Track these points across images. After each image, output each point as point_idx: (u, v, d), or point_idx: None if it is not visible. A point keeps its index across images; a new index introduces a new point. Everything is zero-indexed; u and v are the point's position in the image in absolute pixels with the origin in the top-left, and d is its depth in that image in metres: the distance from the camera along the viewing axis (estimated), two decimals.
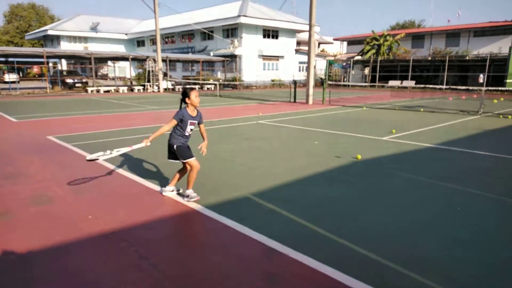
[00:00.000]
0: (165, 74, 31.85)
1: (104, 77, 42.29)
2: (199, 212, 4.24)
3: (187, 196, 4.54)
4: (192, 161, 4.51)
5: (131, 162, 6.51)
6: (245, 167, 6.23)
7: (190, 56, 39.36)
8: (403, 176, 5.73)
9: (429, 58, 37.51)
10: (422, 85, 22.11)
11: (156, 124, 11.31)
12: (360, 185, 5.31)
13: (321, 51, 52.05)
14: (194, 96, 4.48)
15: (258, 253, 3.34)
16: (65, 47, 48.41)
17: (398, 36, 40.33)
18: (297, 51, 44.43)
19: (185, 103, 4.56)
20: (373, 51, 40.32)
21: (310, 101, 19.07)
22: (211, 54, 39.91)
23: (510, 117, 13.47)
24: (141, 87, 30.68)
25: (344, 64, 39.21)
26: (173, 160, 4.63)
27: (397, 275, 2.95)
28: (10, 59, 29.17)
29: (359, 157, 6.80)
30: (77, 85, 29.24)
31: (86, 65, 39.44)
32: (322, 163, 6.45)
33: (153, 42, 49.96)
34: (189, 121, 4.55)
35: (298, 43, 46.52)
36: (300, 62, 45.01)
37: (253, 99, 22.75)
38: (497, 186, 5.22)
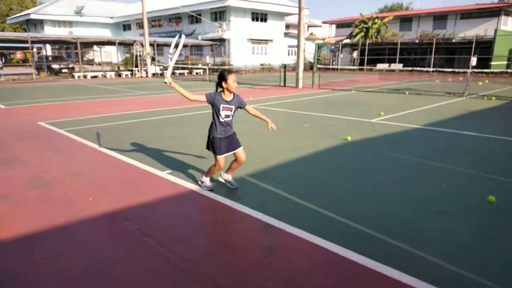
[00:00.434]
0: (153, 59, 31.48)
1: (90, 62, 41.56)
2: (197, 193, 4.40)
3: (202, 182, 4.50)
4: (219, 158, 4.20)
5: (127, 147, 6.59)
6: None
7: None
8: (391, 156, 5.96)
9: (417, 41, 37.76)
10: (410, 68, 22.38)
11: (148, 109, 11.34)
12: (350, 165, 5.53)
13: (310, 34, 51.85)
14: (231, 80, 3.97)
15: (256, 228, 3.53)
16: (49, 31, 47.17)
17: (386, 19, 40.36)
18: (286, 34, 44.18)
19: (221, 87, 4.05)
20: (362, 34, 40.36)
21: (300, 85, 19.20)
22: (199, 38, 39.46)
23: (494, 98, 13.84)
24: (128, 72, 30.32)
25: (333, 47, 39.18)
26: (210, 151, 4.38)
27: (387, 245, 3.17)
28: None
29: (349, 138, 7.01)
30: (63, 70, 28.78)
31: (71, 50, 38.67)
32: (313, 145, 6.65)
33: (140, 26, 49.05)
34: (222, 105, 4.03)
35: (287, 26, 46.24)
36: (289, 46, 44.83)
37: (243, 83, 22.74)
38: (480, 164, 5.49)
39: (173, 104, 12.70)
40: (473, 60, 29.46)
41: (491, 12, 36.28)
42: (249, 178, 4.89)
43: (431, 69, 22.11)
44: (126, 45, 35.96)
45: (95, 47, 39.39)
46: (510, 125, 8.67)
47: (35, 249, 3.13)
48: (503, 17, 35.79)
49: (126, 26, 54.11)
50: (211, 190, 4.41)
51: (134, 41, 31.09)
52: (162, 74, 24.88)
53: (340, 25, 50.13)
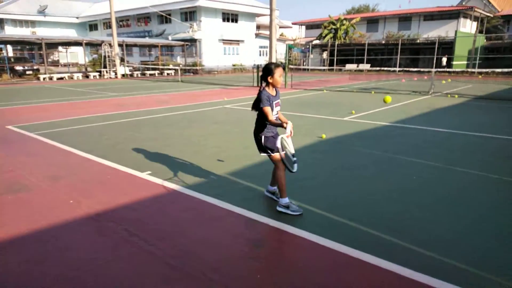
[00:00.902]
0: (122, 60, 30.83)
1: (56, 63, 40.08)
2: (180, 192, 4.45)
3: (287, 207, 3.79)
4: (278, 156, 3.80)
5: (103, 149, 6.51)
6: (217, 149, 6.46)
7: (147, 40, 38.23)
8: (364, 152, 6.23)
9: (383, 42, 39.07)
10: (377, 68, 23.19)
11: (121, 111, 11.17)
12: (326, 161, 5.74)
13: (280, 35, 52.42)
14: (278, 75, 3.71)
15: (241, 224, 3.64)
16: (10, 31, 45.09)
17: (354, 21, 41.50)
18: (257, 35, 44.46)
19: (266, 82, 3.78)
20: (331, 35, 41.28)
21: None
22: (170, 38, 39.00)
23: (457, 96, 14.61)
24: (97, 73, 29.55)
25: (303, 48, 39.85)
26: (265, 154, 3.95)
27: (365, 234, 3.36)
28: None
29: (324, 136, 7.24)
30: (27, 72, 27.62)
31: (35, 51, 37.16)
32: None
33: (107, 26, 47.84)
34: (274, 102, 3.78)
35: (258, 27, 46.54)
36: (261, 47, 45.14)
37: (216, 84, 22.74)
38: (446, 157, 5.85)
39: (147, 105, 12.57)
40: (444, 60, 30.87)
41: (451, 15, 38.11)
42: (230, 176, 4.99)
43: (397, 69, 23.00)
44: (94, 45, 35.03)
45: (60, 48, 38.03)
46: (473, 120, 9.22)
47: (19, 253, 3.09)
48: (462, 20, 37.69)
49: (92, 26, 52.60)
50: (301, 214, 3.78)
51: (102, 42, 30.32)
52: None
53: (310, 26, 51.02)
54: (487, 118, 9.70)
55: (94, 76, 29.13)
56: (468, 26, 39.16)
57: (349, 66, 36.64)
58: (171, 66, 33.41)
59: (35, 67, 28.90)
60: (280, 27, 50.64)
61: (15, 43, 33.44)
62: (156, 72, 32.91)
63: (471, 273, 2.76)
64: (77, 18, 51.26)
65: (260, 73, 3.89)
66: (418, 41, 37.22)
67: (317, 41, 43.50)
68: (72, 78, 27.89)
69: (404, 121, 9.10)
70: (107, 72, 29.50)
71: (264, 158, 5.79)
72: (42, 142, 7.13)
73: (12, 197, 4.31)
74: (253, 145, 5.63)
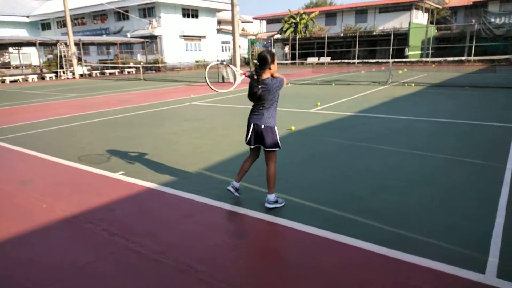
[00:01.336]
0: (79, 59, 29.66)
1: (7, 65, 37.83)
2: (156, 190, 4.47)
3: (276, 202, 3.80)
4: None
5: (72, 152, 6.35)
6: (190, 146, 6.49)
7: (105, 38, 36.94)
8: (332, 141, 6.50)
9: (342, 35, 40.11)
10: (338, 61, 23.88)
11: (85, 112, 10.84)
12: (298, 152, 5.94)
13: (242, 30, 52.38)
14: (276, 61, 3.61)
15: (220, 217, 3.75)
16: None
17: (313, 14, 42.24)
18: (218, 30, 44.17)
19: (263, 70, 3.55)
20: (291, 29, 41.81)
21: (239, 81, 19.46)
22: (128, 35, 37.88)
23: (413, 85, 15.38)
24: (53, 75, 28.26)
25: (266, 43, 40.10)
26: (254, 146, 3.84)
27: (339, 217, 3.58)
28: None
29: (293, 128, 7.46)
30: None
31: None
32: None
33: (61, 24, 45.68)
34: None
35: (219, 22, 46.22)
36: (223, 42, 44.90)
37: (180, 81, 22.47)
38: (408, 143, 6.23)
39: (111, 105, 12.26)
40: (406, 50, 32.13)
41: (404, 7, 39.69)
42: (207, 171, 5.06)
43: (356, 60, 23.78)
44: (48, 45, 33.42)
45: (10, 49, 35.90)
46: (430, 107, 9.79)
47: None
48: (414, 11, 39.38)
49: (45, 25, 49.98)
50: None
51: (58, 41, 28.98)
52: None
53: (270, 20, 51.35)
54: (442, 104, 10.34)
55: (50, 77, 27.84)
56: (420, 17, 41.00)
57: (310, 60, 37.35)
58: (131, 64, 32.55)
59: None
60: (242, 22, 50.60)
61: None
62: (116, 70, 31.96)
63: (437, 245, 3.03)
64: (27, 17, 48.49)
65: (256, 61, 3.62)
66: (374, 33, 38.55)
67: (278, 36, 43.91)
68: (26, 80, 26.50)
69: (366, 111, 9.51)
70: (64, 72, 28.28)
71: (237, 152, 5.93)
72: (4, 148, 6.83)
73: None
74: (225, 140, 5.73)
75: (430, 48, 33.91)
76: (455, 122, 7.83)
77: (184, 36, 39.79)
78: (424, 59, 26.84)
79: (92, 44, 36.81)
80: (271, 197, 3.80)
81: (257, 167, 4.30)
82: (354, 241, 3.12)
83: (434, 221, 3.44)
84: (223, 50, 44.91)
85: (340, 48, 39.53)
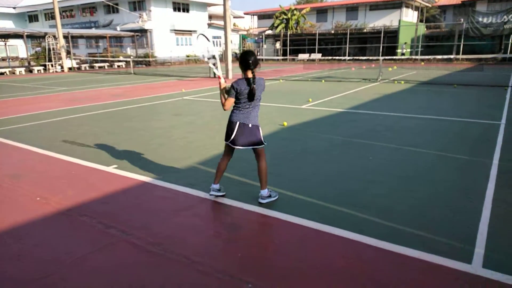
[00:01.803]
0: (68, 52, 29.21)
1: None
2: (151, 184, 4.50)
3: (269, 196, 3.86)
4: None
5: (63, 145, 6.32)
6: (183, 140, 6.51)
7: (95, 31, 36.43)
8: (323, 137, 6.59)
9: (333, 32, 40.28)
10: (329, 57, 24.00)
11: (74, 106, 10.74)
12: (290, 147, 6.01)
13: (233, 25, 52.12)
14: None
15: (216, 210, 3.80)
16: None
17: (304, 11, 42.29)
18: (209, 25, 43.93)
19: (249, 70, 3.64)
20: (283, 25, 41.81)
21: (230, 76, 19.49)
22: (118, 28, 37.45)
23: (403, 82, 15.58)
24: (41, 68, 27.81)
25: (257, 38, 40.05)
26: (244, 147, 3.79)
27: (331, 210, 3.66)
28: None
29: (285, 124, 7.53)
30: None
31: None
32: None
33: (49, 16, 44.90)
34: None
35: (210, 17, 45.97)
36: (214, 37, 44.63)
37: (171, 75, 22.34)
38: (397, 139, 6.36)
39: (101, 99, 12.17)
40: (403, 47, 32.38)
41: (394, 4, 40.00)
42: (200, 166, 5.10)
43: (347, 57, 23.93)
44: (36, 37, 32.81)
45: None
46: (420, 104, 9.96)
47: None
48: (404, 9, 39.73)
49: (32, 17, 49.06)
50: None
51: (46, 33, 28.49)
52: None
53: (262, 16, 51.24)
54: (431, 101, 10.52)
55: (38, 70, 27.39)
56: (410, 16, 41.39)
57: (301, 56, 37.47)
58: (121, 58, 32.19)
59: None
60: (233, 17, 50.38)
61: None
62: (106, 64, 31.60)
63: (426, 237, 3.13)
64: (14, 8, 47.50)
65: (248, 60, 3.67)
66: (365, 30, 38.80)
67: (269, 31, 43.86)
68: (14, 73, 26.03)
69: (357, 107, 9.63)
70: (52, 65, 27.85)
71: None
72: None
73: None
74: (217, 135, 5.78)
75: (420, 46, 34.28)
76: (443, 119, 7.99)
77: (175, 30, 39.50)
78: (413, 56, 27.16)
79: (81, 37, 36.28)
80: (264, 192, 3.86)
81: (251, 163, 4.36)
82: (346, 233, 3.21)
83: (423, 214, 3.55)
84: (214, 45, 44.56)
85: (331, 45, 39.72)
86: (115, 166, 5.13)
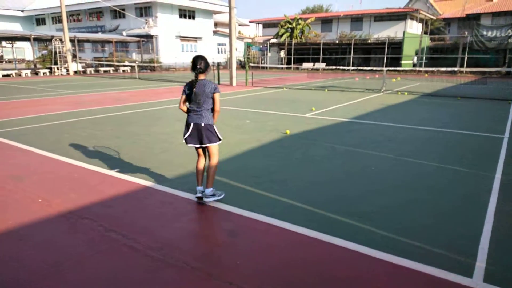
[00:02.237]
0: (73, 56, 29.47)
1: None
2: (152, 188, 4.51)
3: (214, 195, 4.01)
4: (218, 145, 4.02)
5: (66, 148, 6.35)
6: (185, 146, 6.48)
7: (101, 35, 36.78)
8: (326, 145, 6.59)
9: (337, 42, 40.48)
10: (333, 67, 24.13)
11: (79, 109, 10.81)
12: (292, 155, 6.02)
13: (238, 33, 52.49)
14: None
15: (216, 216, 3.80)
16: None
17: (309, 20, 42.56)
18: (215, 32, 44.27)
19: (204, 72, 3.88)
20: (287, 34, 42.05)
21: (234, 83, 19.59)
22: (124, 34, 37.79)
23: (406, 93, 15.61)
24: (47, 70, 28.03)
25: (262, 46, 40.29)
26: (194, 145, 3.99)
27: (329, 218, 3.66)
28: None
29: (288, 132, 7.54)
30: None
31: None
32: (256, 138, 7.05)
33: (56, 20, 45.39)
34: None
35: (216, 24, 46.33)
36: (219, 44, 45.01)
37: (176, 81, 22.47)
38: (399, 149, 6.35)
39: (105, 103, 12.24)
40: (414, 59, 32.40)
41: (399, 16, 40.24)
42: None
43: (351, 67, 24.03)
44: (42, 40, 33.14)
45: (3, 43, 35.53)
46: (422, 116, 9.97)
47: None
48: (409, 21, 39.93)
49: (40, 20, 49.61)
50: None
51: (52, 37, 28.79)
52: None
53: (267, 25, 51.57)
54: (434, 113, 10.53)
55: (44, 73, 27.61)
56: (414, 27, 41.58)
57: (305, 65, 37.61)
58: (126, 63, 32.44)
59: None
60: (238, 25, 50.76)
61: None
62: (111, 69, 31.83)
63: (426, 249, 3.12)
64: (22, 11, 48.06)
65: (200, 65, 3.85)
66: (369, 41, 38.98)
67: (274, 40, 44.12)
68: (20, 75, 26.25)
69: (360, 117, 9.64)
70: (58, 68, 28.08)
71: (233, 153, 5.99)
72: None
73: None
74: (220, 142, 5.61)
75: (424, 58, 34.38)
76: (446, 131, 7.99)
77: (180, 36, 39.82)
78: (417, 68, 27.24)
79: (87, 41, 36.62)
80: (209, 191, 3.98)
81: (252, 171, 4.36)
82: (345, 242, 3.20)
83: (423, 226, 3.54)
84: (219, 52, 45.00)
85: (335, 55, 39.88)
86: (117, 170, 5.15)
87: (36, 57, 31.61)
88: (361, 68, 21.27)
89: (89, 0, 39.59)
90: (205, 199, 3.99)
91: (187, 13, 40.80)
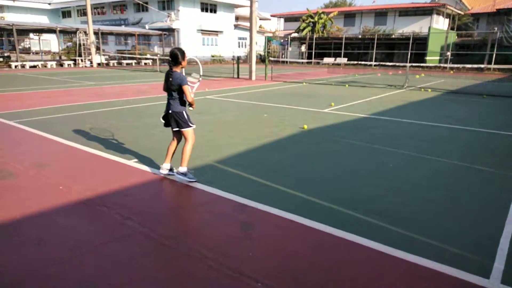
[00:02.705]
0: (97, 48, 30.07)
1: (27, 51, 38.58)
2: (169, 179, 4.57)
3: (185, 175, 4.38)
4: (193, 130, 4.45)
5: (87, 138, 6.51)
6: (203, 139, 6.57)
7: (124, 28, 37.35)
8: (344, 141, 6.52)
9: (360, 36, 39.76)
10: (355, 62, 23.72)
11: (101, 100, 11.04)
12: (309, 150, 5.99)
13: (259, 27, 52.30)
14: (186, 57, 4.33)
15: (231, 208, 3.82)
16: None
17: (332, 14, 41.94)
18: (236, 26, 44.25)
19: (176, 65, 4.23)
20: (309, 28, 41.58)
21: (253, 77, 19.56)
22: (147, 27, 38.26)
23: (430, 90, 15.22)
24: (71, 62, 28.71)
25: (282, 41, 40.01)
26: (175, 128, 4.43)
27: (346, 215, 3.62)
28: None
29: (306, 127, 7.49)
30: None
31: (3, 38, 35.60)
32: (274, 133, 7.04)
33: (81, 13, 46.39)
34: (190, 81, 4.45)
35: (237, 18, 46.29)
36: (240, 38, 44.97)
37: None
38: (420, 147, 6.21)
39: (126, 95, 12.46)
40: (448, 55, 31.49)
41: (424, 11, 39.15)
42: (217, 164, 5.15)
43: (373, 63, 23.59)
44: (68, 33, 33.92)
45: (31, 35, 36.61)
46: (445, 113, 9.71)
47: (15, 236, 3.16)
48: (435, 16, 38.80)
49: (65, 13, 50.82)
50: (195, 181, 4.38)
51: (77, 29, 29.44)
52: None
53: (288, 19, 51.15)
54: (458, 111, 10.23)
55: (68, 64, 28.30)
56: (440, 23, 40.38)
57: (326, 60, 37.11)
58: (148, 56, 32.86)
59: (6, 54, 27.72)
60: (259, 19, 50.55)
61: None
62: (133, 61, 32.31)
63: (443, 248, 3.05)
64: (49, 4, 49.35)
65: (173, 58, 4.22)
66: (393, 36, 38.11)
67: (295, 34, 43.73)
68: (45, 66, 27.00)
69: (380, 113, 9.47)
70: (82, 60, 28.72)
71: (250, 147, 6.01)
72: (23, 130, 7.04)
73: (0, 184, 4.31)
74: (238, 135, 5.84)
75: (449, 54, 33.37)
76: (470, 129, 7.76)
77: (202, 30, 40.00)
78: (442, 64, 26.46)
79: (111, 34, 37.24)
80: (183, 169, 4.36)
81: (272, 166, 4.36)
82: (359, 239, 3.16)
83: (441, 225, 3.46)
84: (239, 46, 44.99)
85: (357, 50, 39.21)
86: (135, 160, 5.25)
87: (61, 49, 32.43)
88: (383, 63, 20.84)
89: None
90: (177, 176, 4.42)
91: (208, 7, 40.92)
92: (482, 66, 20.12)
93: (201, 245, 3.05)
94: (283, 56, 42.55)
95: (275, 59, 35.56)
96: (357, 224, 3.45)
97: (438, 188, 4.40)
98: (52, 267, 2.73)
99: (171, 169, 4.57)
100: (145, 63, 32.49)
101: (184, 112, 4.36)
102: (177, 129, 4.41)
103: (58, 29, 29.58)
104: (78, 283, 2.56)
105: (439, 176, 4.83)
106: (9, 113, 8.64)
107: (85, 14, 29.04)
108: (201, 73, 4.80)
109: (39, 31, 31.44)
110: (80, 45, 29.00)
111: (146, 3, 38.27)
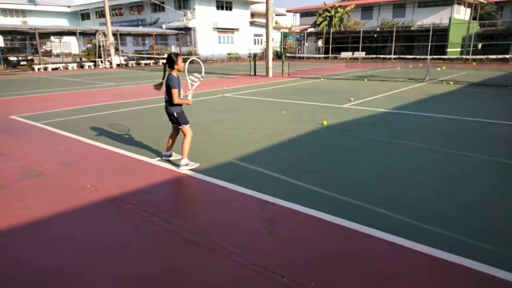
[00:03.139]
0: (116, 49, 30.62)
1: (48, 53, 39.63)
2: (191, 177, 4.64)
3: (187, 165, 4.81)
4: (189, 127, 4.91)
5: (110, 137, 6.66)
6: (222, 136, 6.64)
7: (142, 29, 37.89)
8: (365, 137, 6.45)
9: (378, 29, 39.08)
10: (373, 56, 23.35)
11: (121, 101, 11.26)
12: (329, 146, 5.95)
13: (275, 23, 52.12)
14: (181, 61, 4.72)
15: (253, 204, 3.85)
16: (0, 21, 44.37)
17: (348, 8, 41.36)
18: (251, 23, 44.21)
19: (171, 68, 4.71)
20: (326, 23, 41.14)
21: (270, 74, 19.53)
22: (164, 27, 38.67)
23: (451, 83, 14.85)
24: (91, 63, 29.35)
25: (298, 36, 39.75)
26: (174, 126, 5.03)
27: (370, 211, 3.59)
28: None
29: (325, 123, 7.44)
30: (21, 63, 27.32)
31: (26, 41, 36.68)
32: (293, 129, 7.02)
33: (100, 14, 47.24)
34: (180, 86, 4.81)
35: (252, 15, 46.23)
36: (255, 35, 44.92)
37: (213, 73, 22.75)
38: (444, 141, 6.09)
39: (145, 95, 12.65)
40: (479, 45, 30.41)
41: (444, 1, 38.11)
42: (239, 161, 5.19)
43: (392, 56, 23.18)
44: (87, 35, 34.67)
45: (52, 38, 37.56)
46: (469, 106, 9.47)
47: (46, 233, 3.28)
48: (456, 6, 37.75)
49: (84, 15, 51.89)
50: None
51: (96, 31, 30.04)
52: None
53: (304, 14, 50.74)
54: (482, 104, 9.96)
55: (89, 66, 28.94)
56: (462, 13, 39.25)
57: (344, 54, 36.70)
58: (166, 56, 33.18)
59: (29, 58, 28.56)
60: (275, 15, 50.36)
61: (6, 33, 33.00)
62: (151, 61, 32.76)
63: (472, 244, 3.00)
64: (68, 7, 50.52)
65: (167, 62, 4.73)
66: (412, 28, 37.30)
67: (312, 29, 43.35)
68: (67, 68, 27.69)
69: (401, 108, 9.32)
70: (102, 62, 29.31)
71: (270, 144, 6.02)
72: (48, 131, 7.26)
73: (30, 183, 4.47)
74: (257, 132, 5.80)
75: (472, 45, 32.42)
76: (494, 122, 7.54)
77: (218, 28, 40.14)
78: (464, 56, 25.73)
79: (129, 34, 37.83)
80: (184, 161, 4.80)
81: (292, 163, 4.36)
82: (386, 235, 3.14)
83: (470, 221, 3.39)
84: (255, 43, 44.95)
85: (375, 43, 38.58)
86: (158, 158, 5.34)
87: (81, 50, 33.17)
88: (403, 56, 20.44)
89: None
90: (180, 168, 4.78)
91: (224, 4, 41.00)
92: (507, 56, 19.43)
93: (225, 240, 3.09)
94: (300, 51, 42.28)
95: (292, 55, 35.36)
96: (382, 220, 3.42)
97: (464, 183, 4.31)
98: (82, 263, 2.83)
99: (170, 155, 5.23)
100: (163, 63, 32.84)
101: (176, 113, 4.78)
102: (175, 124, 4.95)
103: (78, 31, 30.27)
104: (107, 277, 2.64)
105: (466, 171, 4.73)
106: (34, 115, 8.92)
107: (103, 15, 29.62)
108: (203, 74, 5.13)
109: (60, 33, 32.25)
110: (99, 46, 29.59)
111: (163, 2, 38.66)
